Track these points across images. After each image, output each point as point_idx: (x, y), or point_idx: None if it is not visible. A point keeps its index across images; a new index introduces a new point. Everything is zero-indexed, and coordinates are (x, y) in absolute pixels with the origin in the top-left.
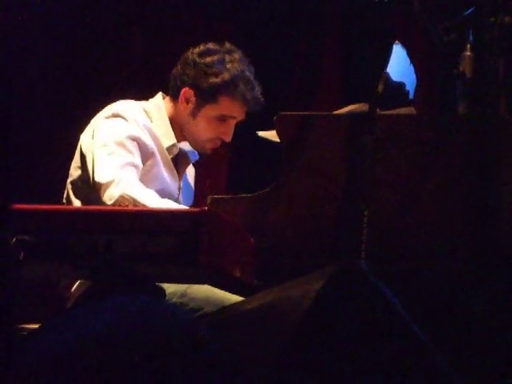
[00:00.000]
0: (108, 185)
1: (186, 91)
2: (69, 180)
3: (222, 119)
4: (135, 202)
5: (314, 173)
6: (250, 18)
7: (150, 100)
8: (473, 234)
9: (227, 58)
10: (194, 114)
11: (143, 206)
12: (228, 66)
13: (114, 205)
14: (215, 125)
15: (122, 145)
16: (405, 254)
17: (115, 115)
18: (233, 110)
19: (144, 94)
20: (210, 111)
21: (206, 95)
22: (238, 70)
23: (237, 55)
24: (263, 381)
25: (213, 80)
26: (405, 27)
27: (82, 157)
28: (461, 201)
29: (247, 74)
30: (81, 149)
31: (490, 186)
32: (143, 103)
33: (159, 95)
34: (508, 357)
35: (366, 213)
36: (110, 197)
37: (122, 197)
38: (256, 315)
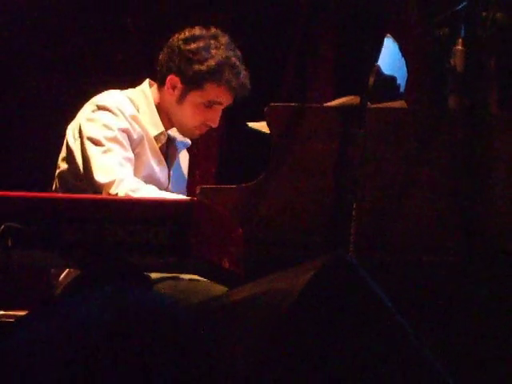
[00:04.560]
0: (110, 185)
1: (172, 78)
2: (56, 172)
3: (209, 105)
4: None
5: (303, 164)
6: (244, 8)
7: (137, 88)
8: (462, 227)
9: (213, 43)
10: (180, 100)
11: None
12: (213, 52)
13: None
14: (202, 111)
15: (114, 140)
16: (394, 248)
17: (100, 107)
18: (219, 96)
19: (137, 82)
20: (196, 97)
21: (192, 82)
22: (224, 56)
23: (223, 40)
24: (249, 372)
25: (198, 67)
26: (397, 20)
27: (69, 149)
28: (451, 195)
29: (233, 59)
30: (67, 141)
31: (480, 179)
32: (129, 92)
33: (146, 82)
34: (497, 349)
35: (355, 206)
36: None
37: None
38: (243, 306)
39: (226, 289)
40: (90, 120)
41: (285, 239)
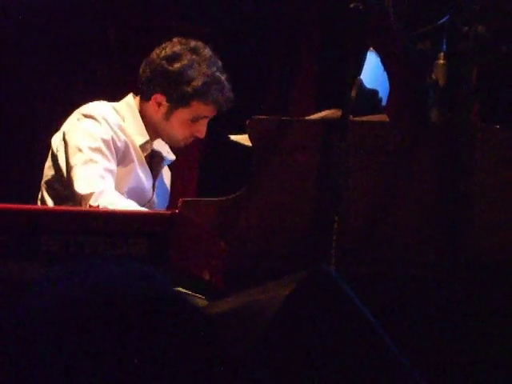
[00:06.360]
0: (88, 197)
1: (157, 97)
2: (43, 180)
3: (195, 120)
4: None
5: (285, 177)
6: (227, 20)
7: (122, 100)
8: (445, 241)
9: (196, 60)
10: (166, 116)
11: None
12: (197, 70)
13: None
14: (188, 125)
15: (97, 150)
16: (376, 261)
17: (85, 116)
18: (205, 111)
19: (122, 95)
20: (183, 114)
21: (178, 101)
22: (209, 73)
23: (204, 53)
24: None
25: (184, 88)
26: (379, 34)
27: (54, 158)
28: (433, 208)
29: (217, 74)
30: (52, 150)
31: (463, 193)
32: (114, 103)
33: (130, 95)
34: (480, 362)
35: (336, 219)
36: None
37: None
38: (224, 319)
39: (206, 302)
40: (75, 128)
41: (266, 252)
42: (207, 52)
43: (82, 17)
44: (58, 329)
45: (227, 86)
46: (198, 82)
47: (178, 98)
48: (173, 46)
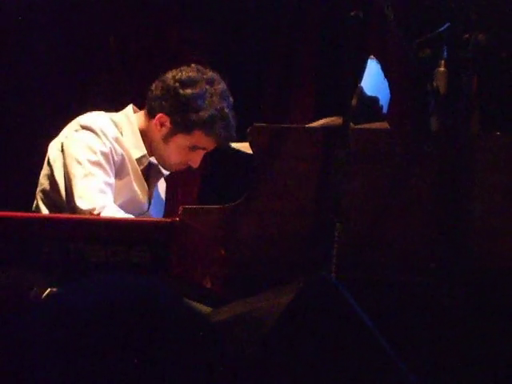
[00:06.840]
0: (90, 213)
1: (162, 117)
2: (38, 189)
3: (193, 148)
4: None
5: (286, 185)
6: (225, 22)
7: (121, 112)
8: (444, 246)
9: (208, 90)
10: (166, 138)
11: None
12: (207, 101)
13: None
14: (185, 152)
15: (97, 164)
16: (375, 268)
17: (84, 127)
18: (205, 143)
19: (121, 103)
20: (183, 140)
21: (181, 126)
22: (218, 107)
23: (218, 87)
24: None
25: (191, 115)
26: (379, 42)
27: (50, 167)
28: (432, 216)
29: (225, 111)
30: (48, 159)
31: (462, 200)
32: (112, 115)
33: (130, 107)
34: (479, 367)
35: (337, 226)
36: None
37: None
38: (226, 326)
39: (209, 309)
40: (73, 139)
41: (267, 259)
42: (222, 86)
43: (82, 19)
44: (61, 336)
45: (232, 123)
46: (205, 113)
47: (182, 124)
48: (189, 71)
